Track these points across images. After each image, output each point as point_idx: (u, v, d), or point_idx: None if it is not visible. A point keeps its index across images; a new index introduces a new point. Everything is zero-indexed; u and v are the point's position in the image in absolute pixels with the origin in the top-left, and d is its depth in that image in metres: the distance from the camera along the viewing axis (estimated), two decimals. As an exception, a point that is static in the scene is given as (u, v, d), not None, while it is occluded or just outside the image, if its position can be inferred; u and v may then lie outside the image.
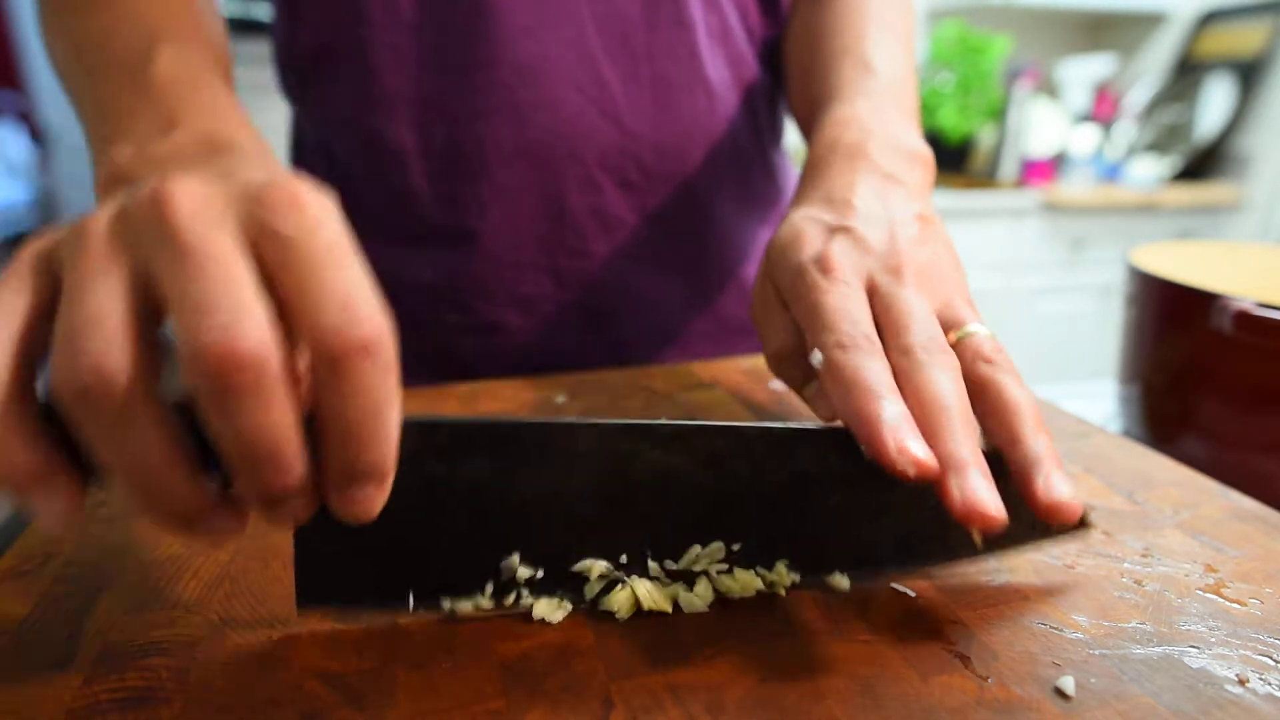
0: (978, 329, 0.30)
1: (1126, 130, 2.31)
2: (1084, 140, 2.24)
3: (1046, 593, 0.29)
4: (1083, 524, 0.29)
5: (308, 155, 0.57)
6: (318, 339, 0.20)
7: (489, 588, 0.27)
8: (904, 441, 0.24)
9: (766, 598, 0.29)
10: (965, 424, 0.26)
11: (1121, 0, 2.32)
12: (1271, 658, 0.26)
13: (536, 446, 0.26)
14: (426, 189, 0.52)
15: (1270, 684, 0.24)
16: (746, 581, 0.28)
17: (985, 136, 2.19)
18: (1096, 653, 0.26)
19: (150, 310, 0.20)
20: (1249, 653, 0.26)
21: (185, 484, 0.21)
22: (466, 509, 0.26)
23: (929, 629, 0.27)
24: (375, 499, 0.22)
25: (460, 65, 0.49)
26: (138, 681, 0.24)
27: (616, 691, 0.24)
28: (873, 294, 0.30)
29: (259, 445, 0.20)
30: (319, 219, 0.21)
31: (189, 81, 0.33)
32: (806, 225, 0.33)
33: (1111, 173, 2.23)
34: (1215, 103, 2.19)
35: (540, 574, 0.27)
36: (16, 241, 5.21)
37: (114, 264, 0.20)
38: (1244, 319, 0.43)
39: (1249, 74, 2.16)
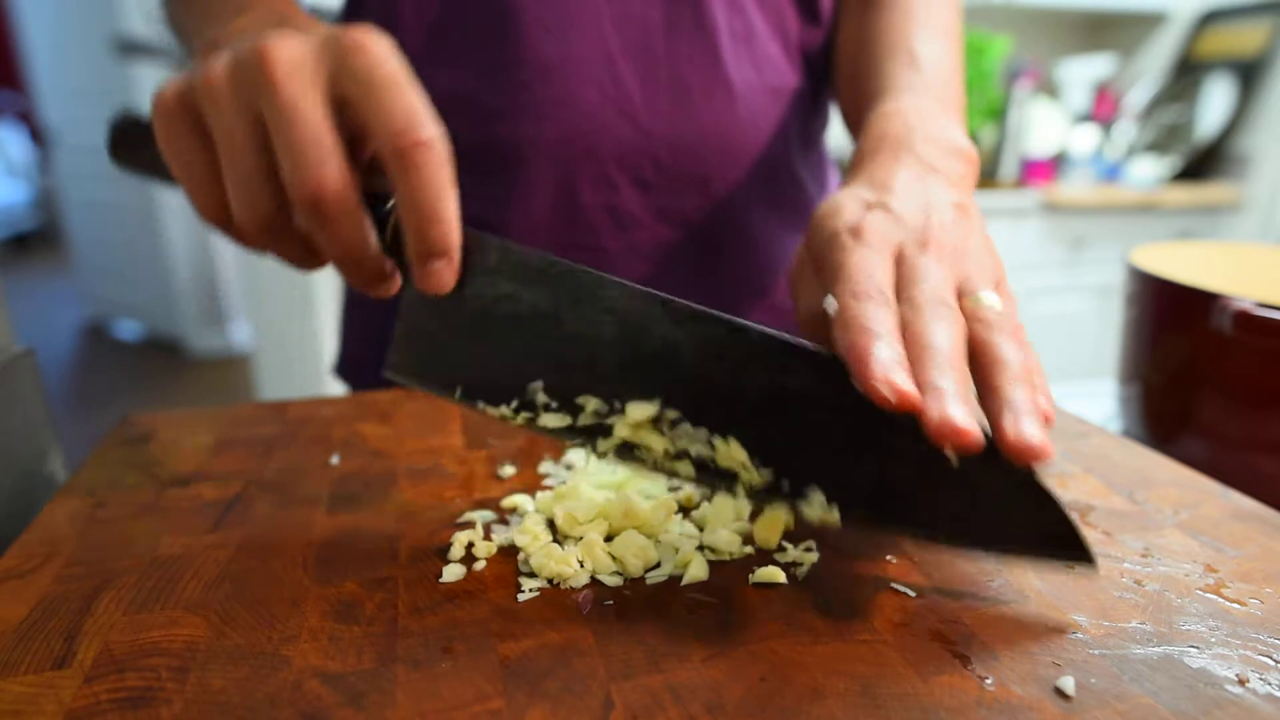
0: (987, 296, 0.30)
1: (1126, 130, 2.31)
2: (1084, 140, 2.23)
3: (1046, 593, 0.29)
4: (1087, 558, 0.28)
5: None
6: (389, 141, 0.26)
7: (514, 403, 0.31)
8: (890, 372, 0.25)
9: (766, 598, 0.29)
10: (954, 366, 0.26)
11: (1121, 0, 2.32)
12: (1271, 658, 0.26)
13: (578, 292, 0.30)
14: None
15: (1270, 684, 0.24)
16: (730, 452, 0.29)
17: (985, 136, 2.19)
18: (1096, 653, 0.26)
19: (268, 140, 0.27)
20: (1249, 653, 0.26)
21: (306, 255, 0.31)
22: (517, 329, 0.30)
23: (929, 629, 0.27)
24: (446, 273, 0.29)
25: (484, 64, 0.51)
26: (138, 681, 0.24)
27: (616, 691, 0.24)
28: (898, 262, 0.31)
29: (346, 252, 0.29)
30: (382, 56, 0.27)
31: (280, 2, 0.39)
32: (846, 199, 0.34)
33: (1111, 173, 2.23)
34: (1215, 103, 2.19)
35: (554, 405, 0.30)
36: (17, 241, 5.20)
37: (237, 113, 0.27)
38: (1244, 319, 0.43)
39: (1249, 74, 2.15)
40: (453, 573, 0.30)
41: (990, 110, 2.17)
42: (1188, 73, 2.29)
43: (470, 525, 0.33)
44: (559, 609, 0.28)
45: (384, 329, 0.60)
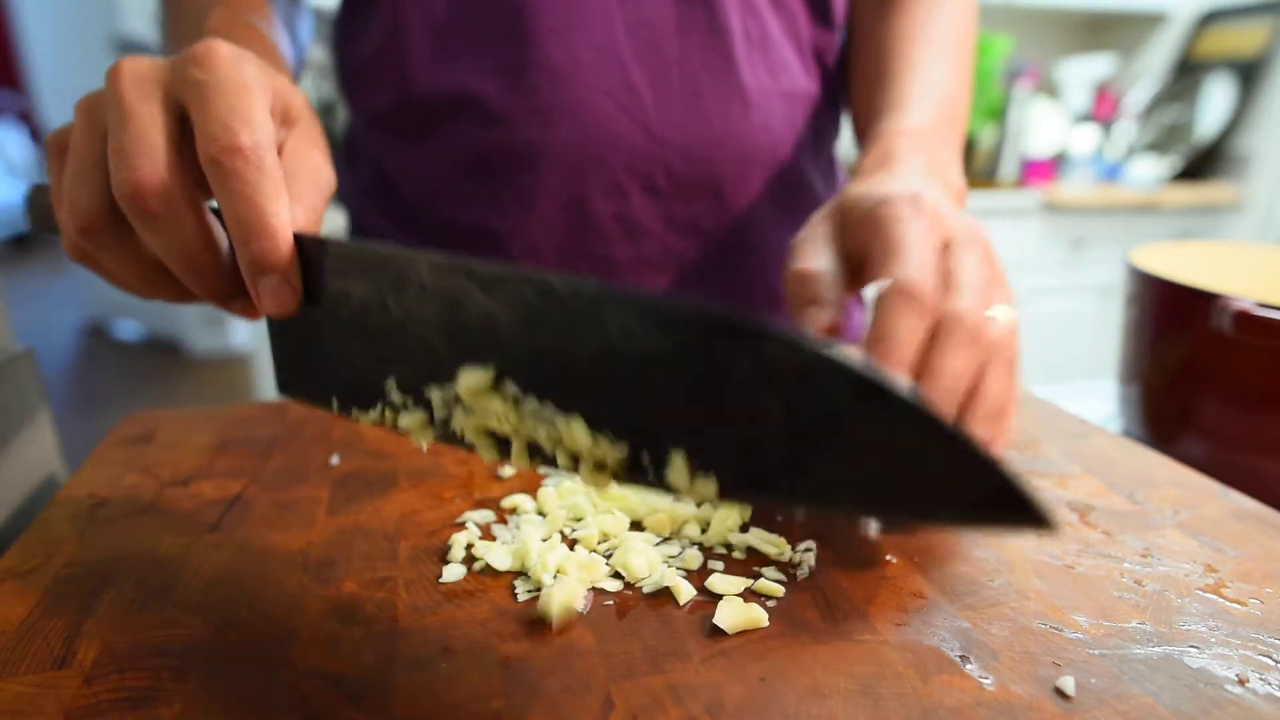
0: (1003, 312, 0.30)
1: (1126, 130, 2.31)
2: (1084, 140, 2.23)
3: (1046, 593, 0.29)
4: (1037, 520, 0.19)
5: (358, 162, 0.59)
6: (203, 149, 0.25)
7: (380, 407, 0.28)
8: None
9: (766, 598, 0.29)
10: (951, 405, 0.27)
11: (1121, 0, 2.32)
12: (1271, 658, 0.26)
13: (394, 276, 0.27)
14: (451, 189, 0.53)
15: (1270, 684, 0.24)
16: (573, 434, 0.25)
17: (985, 136, 2.19)
18: (1096, 653, 0.26)
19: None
20: (1249, 653, 0.26)
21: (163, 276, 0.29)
22: (358, 328, 0.28)
23: (929, 629, 0.27)
24: (282, 291, 0.27)
25: (492, 66, 0.50)
26: (138, 681, 0.24)
27: (616, 691, 0.24)
28: (945, 248, 0.31)
29: (178, 254, 0.27)
30: (219, 65, 0.26)
31: (227, 27, 0.40)
32: (877, 184, 0.33)
33: (1111, 173, 2.23)
34: (1215, 103, 2.19)
35: (410, 402, 0.28)
36: (17, 241, 5.20)
37: (89, 124, 0.27)
38: (1244, 319, 0.43)
39: (1249, 74, 2.15)
40: (453, 573, 0.30)
41: (990, 110, 2.17)
42: (1188, 73, 2.29)
43: (469, 525, 0.33)
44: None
45: None
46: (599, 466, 0.25)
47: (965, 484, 0.20)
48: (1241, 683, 0.24)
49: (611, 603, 0.28)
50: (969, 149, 2.23)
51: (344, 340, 0.29)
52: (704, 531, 0.33)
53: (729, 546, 0.32)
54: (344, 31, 0.57)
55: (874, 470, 0.21)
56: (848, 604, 0.28)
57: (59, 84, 3.10)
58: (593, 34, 0.49)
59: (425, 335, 0.27)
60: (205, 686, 0.24)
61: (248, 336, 2.82)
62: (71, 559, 0.31)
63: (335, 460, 0.40)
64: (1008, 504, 0.20)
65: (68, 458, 0.47)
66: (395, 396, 0.28)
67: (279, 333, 0.30)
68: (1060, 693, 0.24)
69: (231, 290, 0.29)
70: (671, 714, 0.23)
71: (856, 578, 0.30)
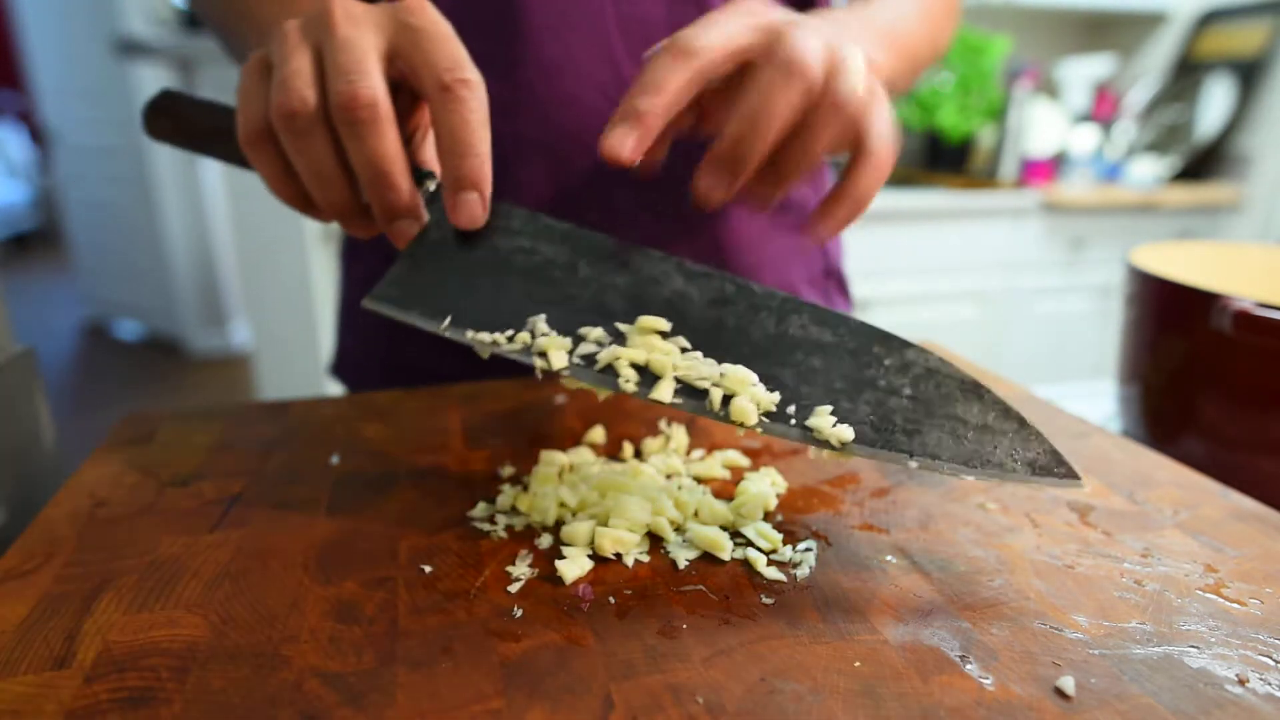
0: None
1: (1126, 130, 2.31)
2: (1084, 140, 2.23)
3: (1046, 593, 0.29)
4: (1071, 475, 0.29)
5: None
6: (435, 78, 0.31)
7: (508, 332, 0.32)
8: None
9: (766, 597, 0.29)
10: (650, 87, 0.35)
11: (1121, 0, 2.32)
12: (1271, 658, 0.26)
13: (597, 251, 0.34)
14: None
15: (1270, 684, 0.24)
16: (738, 376, 0.30)
17: (985, 136, 2.19)
18: (1096, 653, 0.26)
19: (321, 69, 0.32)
20: (1249, 653, 0.26)
21: (342, 185, 0.33)
22: (528, 275, 0.33)
23: (929, 629, 0.27)
24: (477, 206, 0.32)
25: (487, 62, 0.50)
26: (138, 681, 0.24)
27: (616, 691, 0.24)
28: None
29: (374, 164, 0.31)
30: (436, 18, 0.32)
31: None
32: None
33: (1111, 173, 2.23)
34: (1215, 103, 2.19)
35: (553, 333, 0.32)
36: (17, 241, 5.20)
37: (300, 46, 0.32)
38: (1244, 319, 0.43)
39: (1249, 74, 2.15)
40: (453, 570, 0.30)
41: (990, 110, 2.17)
42: (1188, 73, 2.29)
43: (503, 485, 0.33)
44: (559, 609, 0.28)
45: (381, 328, 0.60)
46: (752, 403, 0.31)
47: (1028, 451, 0.30)
48: (1241, 683, 0.24)
49: (613, 601, 0.28)
50: (969, 150, 2.23)
51: (500, 278, 0.34)
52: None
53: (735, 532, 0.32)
54: None
55: (968, 439, 0.30)
56: (848, 604, 0.28)
57: (59, 84, 3.10)
58: (585, 31, 0.50)
59: (608, 295, 0.33)
60: (205, 686, 0.24)
61: (247, 336, 2.82)
62: (71, 559, 0.31)
63: (335, 460, 0.40)
64: (1055, 466, 0.29)
65: (68, 458, 0.47)
66: (541, 328, 0.32)
67: (409, 255, 0.34)
68: (1060, 693, 0.24)
69: (402, 203, 0.33)
70: (671, 714, 0.23)
71: (856, 578, 0.30)
